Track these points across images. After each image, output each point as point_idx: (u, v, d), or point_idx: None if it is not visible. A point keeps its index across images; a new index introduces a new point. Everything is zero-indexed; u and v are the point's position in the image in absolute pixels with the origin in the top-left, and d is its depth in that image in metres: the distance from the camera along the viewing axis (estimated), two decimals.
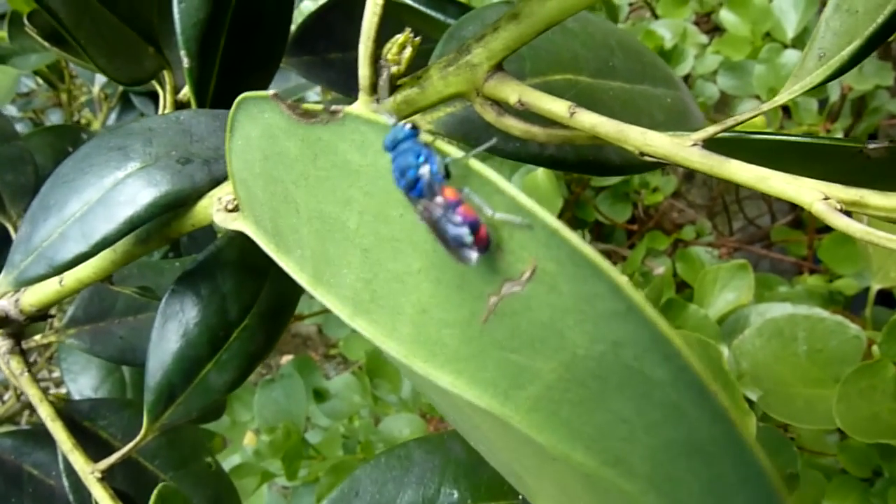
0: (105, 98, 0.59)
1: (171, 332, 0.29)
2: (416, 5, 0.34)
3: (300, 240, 0.20)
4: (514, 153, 0.27)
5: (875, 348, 0.51)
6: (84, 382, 0.43)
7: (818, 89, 0.82)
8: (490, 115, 0.22)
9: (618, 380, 0.13)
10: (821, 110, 0.84)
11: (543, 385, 0.14)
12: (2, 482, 0.35)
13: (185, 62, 0.26)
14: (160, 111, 0.35)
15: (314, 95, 0.76)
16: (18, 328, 0.30)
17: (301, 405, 0.85)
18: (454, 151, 0.16)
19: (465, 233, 0.15)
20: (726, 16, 0.82)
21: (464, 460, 0.33)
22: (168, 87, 0.33)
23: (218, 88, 0.28)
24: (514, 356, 0.15)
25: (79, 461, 0.29)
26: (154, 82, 0.33)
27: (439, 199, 0.15)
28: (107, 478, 0.30)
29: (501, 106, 0.22)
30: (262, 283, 0.31)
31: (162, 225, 0.27)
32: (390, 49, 0.21)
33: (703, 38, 0.87)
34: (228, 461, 0.86)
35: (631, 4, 1.01)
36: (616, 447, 0.13)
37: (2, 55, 0.48)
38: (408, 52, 0.21)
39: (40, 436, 0.35)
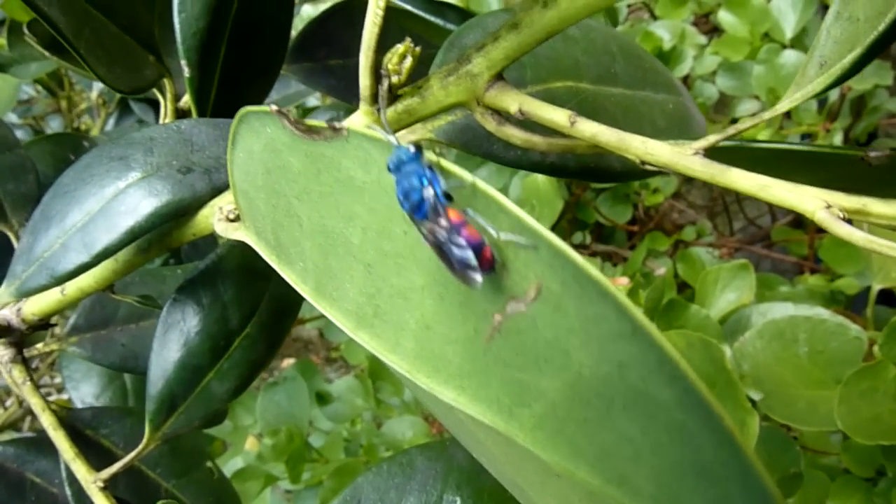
0: (103, 104, 0.58)
1: (173, 340, 0.29)
2: (416, 11, 0.34)
3: (302, 253, 0.20)
4: (515, 161, 0.26)
5: (876, 349, 0.51)
6: (86, 390, 0.43)
7: None
8: (491, 124, 0.22)
9: (623, 400, 0.13)
10: (820, 110, 0.84)
11: (548, 403, 0.14)
12: (4, 490, 0.35)
13: (186, 71, 0.26)
14: (161, 120, 0.35)
15: (313, 100, 0.76)
16: (20, 337, 0.30)
17: (304, 408, 0.85)
18: (458, 172, 0.16)
19: (469, 256, 0.15)
20: (725, 16, 0.82)
21: (466, 467, 0.33)
22: (168, 96, 0.33)
23: (219, 97, 0.28)
24: (519, 374, 0.15)
25: (81, 470, 0.29)
26: (154, 90, 0.33)
27: (443, 222, 0.15)
28: (109, 487, 0.29)
29: (502, 115, 0.22)
30: (264, 292, 0.31)
31: (163, 234, 0.27)
32: (391, 59, 0.21)
33: (702, 39, 0.87)
34: (230, 465, 0.86)
35: (629, 6, 1.01)
36: (621, 466, 0.13)
37: (1, 63, 0.48)
38: (408, 62, 0.21)
39: (43, 444, 0.35)
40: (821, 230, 0.91)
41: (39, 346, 0.36)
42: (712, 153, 0.20)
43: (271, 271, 0.31)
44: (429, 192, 0.15)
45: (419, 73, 0.22)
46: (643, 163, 0.20)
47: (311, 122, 0.18)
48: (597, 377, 0.13)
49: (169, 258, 0.42)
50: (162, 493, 0.35)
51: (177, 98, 0.34)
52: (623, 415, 0.13)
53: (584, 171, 0.28)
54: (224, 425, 0.89)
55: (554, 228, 0.86)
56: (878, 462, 0.59)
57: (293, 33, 0.35)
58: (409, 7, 0.34)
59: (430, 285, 0.16)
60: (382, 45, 0.21)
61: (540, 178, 0.74)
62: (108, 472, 0.29)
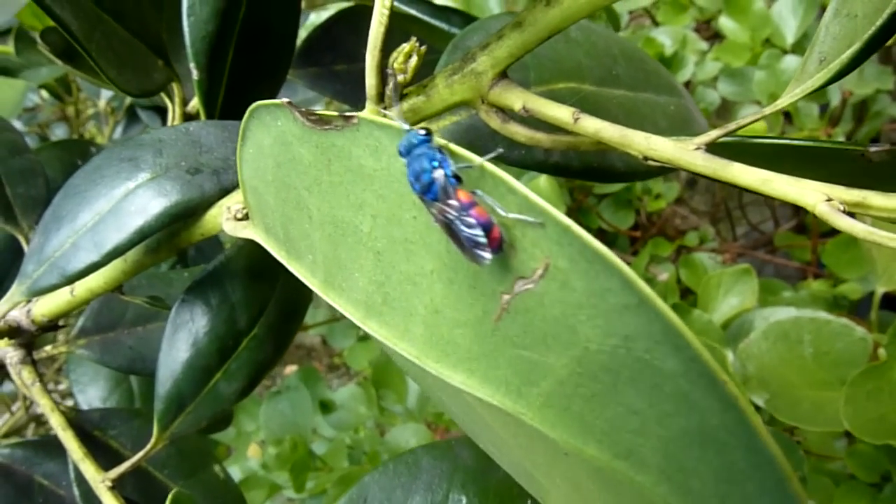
0: (111, 112, 0.59)
1: (181, 341, 0.29)
2: (421, 16, 0.34)
3: (312, 245, 0.20)
4: (519, 160, 0.27)
5: (882, 351, 0.51)
6: (93, 393, 0.43)
7: (819, 94, 0.82)
8: (495, 121, 0.22)
9: (629, 373, 0.13)
10: (822, 115, 0.85)
11: (555, 380, 0.14)
12: (13, 492, 0.35)
13: (195, 74, 0.27)
14: (169, 123, 0.35)
15: (318, 107, 0.76)
16: (30, 338, 0.31)
17: (307, 417, 0.86)
18: (467, 155, 0.16)
19: (479, 234, 0.15)
20: (726, 22, 0.82)
21: (472, 466, 0.33)
22: (177, 100, 0.34)
23: (226, 100, 0.28)
24: (527, 353, 0.15)
25: (90, 470, 0.29)
26: (163, 95, 0.34)
27: (453, 202, 0.16)
28: (117, 487, 0.30)
29: (506, 113, 0.22)
30: (271, 293, 0.32)
31: (172, 234, 0.28)
32: (396, 59, 0.21)
33: (704, 45, 0.88)
34: (233, 472, 0.86)
35: (631, 12, 1.02)
36: (628, 440, 0.14)
37: (11, 69, 0.49)
38: (413, 61, 0.21)
39: (51, 446, 0.36)
40: (824, 235, 0.91)
41: (48, 348, 0.36)
42: (714, 150, 0.21)
43: (279, 272, 0.32)
44: (439, 174, 0.16)
45: (424, 77, 0.22)
46: (646, 158, 0.20)
47: (322, 112, 0.18)
48: (603, 351, 0.14)
49: (175, 262, 0.43)
50: None
51: (185, 102, 0.34)
52: (629, 387, 0.14)
53: (587, 171, 0.29)
54: (227, 431, 0.89)
55: None
56: (883, 467, 0.59)
57: (299, 39, 0.36)
58: (413, 12, 0.34)
59: (440, 269, 0.16)
60: (387, 49, 0.21)
61: (542, 184, 0.74)
62: (116, 472, 0.29)
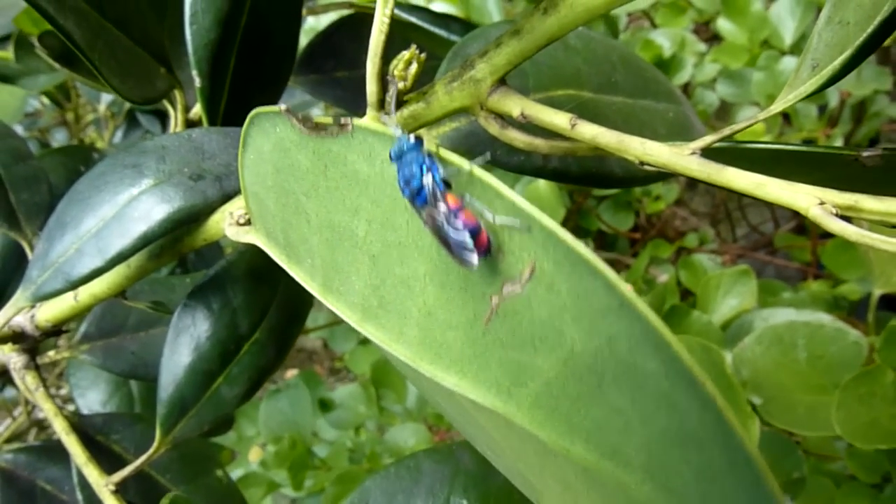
0: (111, 116, 0.60)
1: (184, 345, 0.30)
2: (421, 24, 0.34)
3: (311, 249, 0.20)
4: (518, 166, 0.27)
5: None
6: (93, 397, 0.44)
7: (818, 95, 0.83)
8: (494, 128, 0.23)
9: (613, 373, 0.14)
10: (821, 116, 0.85)
11: (543, 381, 0.15)
12: (16, 497, 0.35)
13: (197, 81, 0.27)
14: (171, 130, 0.36)
15: (317, 111, 0.77)
16: (33, 344, 0.31)
17: (307, 415, 0.86)
18: (456, 160, 0.17)
19: (466, 238, 0.15)
20: (724, 24, 0.83)
21: (473, 470, 0.34)
22: (179, 107, 0.34)
23: (228, 106, 0.29)
24: (516, 354, 0.15)
25: (93, 474, 0.30)
26: (165, 102, 0.34)
27: (442, 207, 0.16)
28: (120, 491, 0.30)
29: (505, 119, 0.23)
30: (272, 298, 0.32)
31: (175, 240, 0.28)
32: (396, 65, 0.22)
33: (702, 47, 0.88)
34: (234, 475, 0.87)
35: (630, 14, 1.02)
36: (613, 439, 0.14)
37: (10, 76, 0.49)
38: (413, 68, 0.22)
39: (53, 451, 0.36)
40: (823, 236, 0.91)
41: (51, 353, 0.37)
42: (710, 154, 0.21)
43: (280, 277, 0.32)
44: (428, 179, 0.16)
45: (424, 83, 0.23)
46: (642, 163, 0.21)
47: (318, 118, 0.18)
48: (588, 352, 0.14)
49: (176, 268, 0.43)
50: None
51: (187, 109, 0.35)
52: (613, 387, 0.14)
53: (585, 177, 0.29)
54: (228, 435, 0.90)
55: None
56: (884, 468, 0.59)
57: (300, 46, 0.36)
58: (414, 20, 0.35)
59: (433, 273, 0.17)
60: (388, 56, 0.22)
61: (542, 187, 0.74)
62: (119, 476, 0.30)
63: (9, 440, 0.58)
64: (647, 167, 0.21)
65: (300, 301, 0.33)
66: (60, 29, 0.25)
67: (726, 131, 0.21)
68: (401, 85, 0.22)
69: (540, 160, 0.28)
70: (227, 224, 0.26)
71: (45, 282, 0.26)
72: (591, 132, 0.21)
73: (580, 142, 0.21)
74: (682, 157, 0.21)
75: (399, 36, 0.31)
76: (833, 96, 0.81)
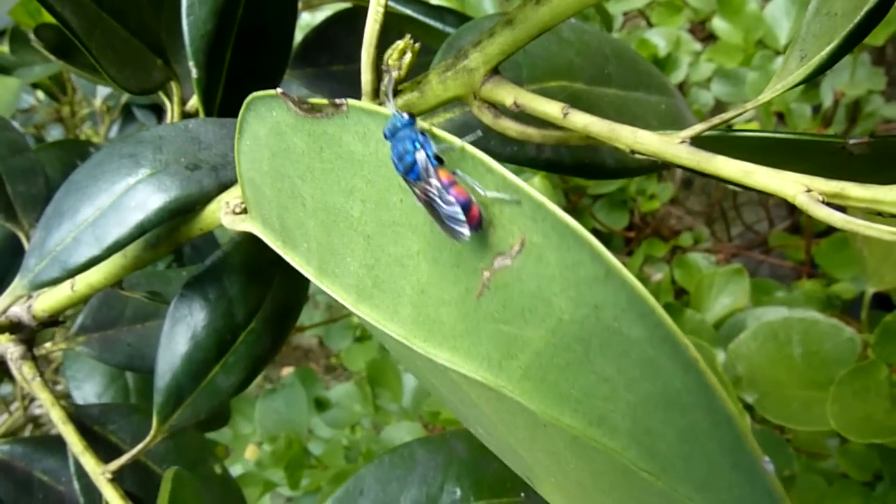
0: (107, 111, 0.60)
1: (180, 334, 0.30)
2: (417, 16, 0.35)
3: (306, 233, 0.21)
4: (511, 157, 0.28)
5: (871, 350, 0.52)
6: (88, 389, 0.44)
7: (812, 95, 0.82)
8: (487, 117, 0.23)
9: (599, 341, 0.14)
10: (815, 116, 0.86)
11: (533, 352, 0.15)
12: (12, 489, 0.35)
13: (194, 72, 0.27)
14: (168, 122, 0.36)
15: None
16: (30, 334, 0.31)
17: (302, 414, 0.86)
18: (448, 137, 0.17)
19: (457, 211, 0.16)
20: (719, 24, 0.83)
21: (466, 459, 0.34)
22: (175, 99, 0.34)
23: (225, 98, 0.29)
24: (506, 327, 0.16)
25: (90, 463, 0.30)
26: (161, 94, 0.34)
27: (434, 182, 0.16)
28: (117, 479, 0.30)
29: (498, 108, 0.23)
30: (268, 288, 0.32)
31: (171, 230, 0.28)
32: (391, 55, 0.22)
33: (697, 46, 0.89)
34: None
35: (626, 13, 1.03)
36: (600, 406, 0.15)
37: (6, 66, 0.50)
38: (408, 57, 0.22)
39: (50, 443, 0.36)
40: (818, 235, 0.92)
41: (48, 344, 0.37)
42: (701, 143, 0.21)
43: (276, 268, 0.33)
44: (421, 155, 0.17)
45: (419, 70, 0.23)
46: (633, 152, 0.21)
47: (313, 100, 0.19)
48: (575, 321, 0.15)
49: (172, 262, 0.44)
50: None
51: (183, 101, 0.35)
52: (600, 355, 0.14)
53: (578, 167, 0.29)
54: (224, 433, 0.90)
55: None
56: (875, 466, 0.59)
57: (296, 40, 0.36)
58: (409, 12, 0.35)
59: (426, 250, 0.17)
60: (383, 47, 0.22)
61: (536, 185, 0.75)
62: (116, 464, 0.30)
63: (5, 436, 0.58)
64: (638, 156, 0.21)
65: (296, 291, 0.33)
66: (58, 17, 0.25)
67: (715, 120, 0.21)
68: (395, 74, 0.22)
69: (533, 150, 0.28)
70: (224, 213, 0.26)
71: (43, 270, 0.26)
72: (583, 121, 0.21)
73: (572, 131, 0.22)
74: (671, 145, 0.21)
75: (395, 29, 0.32)
76: (827, 96, 0.82)
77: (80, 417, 0.33)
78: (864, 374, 0.49)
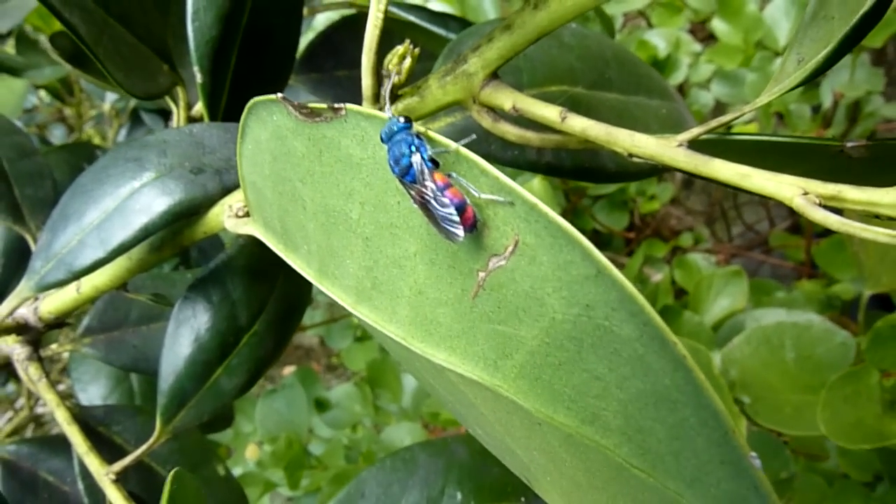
0: (116, 114, 0.60)
1: (184, 336, 0.30)
2: (419, 22, 0.35)
3: (307, 235, 0.21)
4: (512, 161, 0.28)
5: None
6: (94, 391, 0.44)
7: (811, 95, 0.82)
8: (486, 121, 0.23)
9: (591, 340, 0.15)
10: (814, 116, 0.86)
11: (527, 351, 0.16)
12: (18, 488, 0.36)
13: (199, 77, 0.28)
14: (173, 126, 0.36)
15: None
16: (36, 336, 0.31)
17: (303, 415, 0.86)
18: (443, 140, 0.17)
19: (452, 213, 0.16)
20: (718, 25, 0.84)
21: (467, 463, 0.34)
22: (181, 104, 0.35)
23: (229, 103, 0.29)
24: (501, 327, 0.16)
25: (94, 463, 0.30)
26: (167, 99, 0.35)
27: (429, 184, 0.17)
28: (121, 480, 0.30)
29: (497, 112, 0.23)
30: (271, 291, 0.32)
31: (175, 233, 0.28)
32: (391, 60, 0.22)
33: (697, 47, 0.89)
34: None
35: (626, 14, 1.03)
36: (592, 404, 0.15)
37: (14, 68, 0.50)
38: (408, 62, 0.22)
39: (55, 443, 0.36)
40: (819, 235, 0.92)
41: (54, 346, 0.37)
42: (698, 147, 0.22)
43: (279, 271, 0.33)
44: (416, 158, 0.17)
45: (419, 74, 0.23)
46: (631, 155, 0.21)
47: (313, 105, 0.19)
48: (568, 320, 0.15)
49: (178, 264, 0.44)
50: None
51: (189, 106, 0.35)
52: (592, 354, 0.15)
53: (578, 171, 0.30)
54: (225, 433, 0.90)
55: None
56: (875, 466, 0.59)
57: (301, 45, 0.36)
58: (412, 18, 0.35)
59: (422, 251, 0.18)
60: (384, 52, 0.22)
61: (535, 186, 0.75)
62: (120, 465, 0.30)
63: (9, 435, 0.58)
64: (637, 160, 0.21)
65: (299, 294, 0.34)
66: (67, 24, 0.25)
67: (713, 123, 0.21)
68: (395, 79, 0.22)
69: (534, 154, 0.28)
70: (227, 216, 0.26)
71: (49, 272, 0.27)
72: (581, 125, 0.21)
73: (571, 135, 0.22)
74: (669, 148, 0.21)
75: (397, 34, 0.32)
76: (827, 97, 0.82)
77: (84, 418, 0.33)
78: (855, 378, 0.49)
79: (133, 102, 0.54)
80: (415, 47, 0.22)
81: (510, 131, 0.23)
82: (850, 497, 0.61)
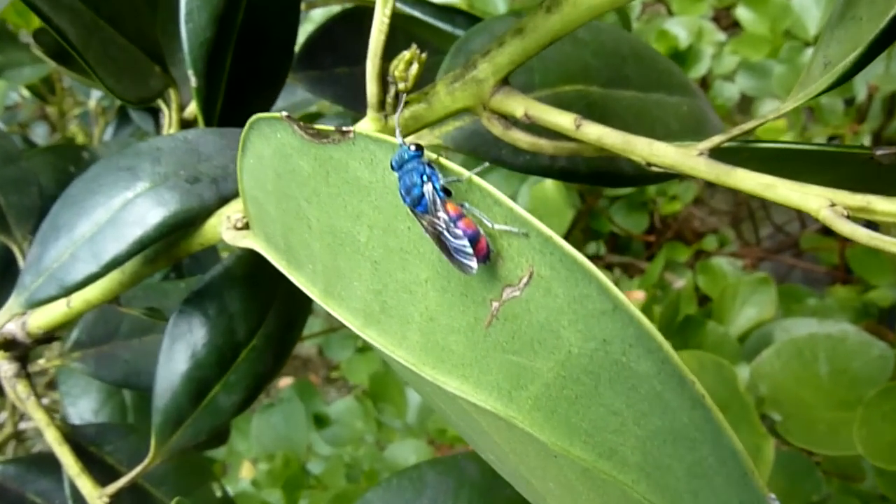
0: (102, 112, 0.61)
1: (179, 352, 0.31)
2: (424, 17, 0.36)
3: (312, 255, 0.22)
4: (524, 166, 0.28)
5: None
6: (84, 406, 0.45)
7: (845, 88, 0.82)
8: (497, 128, 0.24)
9: (608, 375, 0.15)
10: (848, 110, 0.86)
11: (543, 384, 0.16)
12: None
13: (193, 81, 0.28)
14: (164, 130, 0.37)
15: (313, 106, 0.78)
16: (24, 351, 0.32)
17: (301, 431, 0.87)
18: (456, 169, 0.18)
19: (465, 245, 0.17)
20: (743, 13, 0.84)
21: (478, 482, 0.35)
22: (174, 105, 0.35)
23: (225, 106, 0.30)
24: (516, 358, 0.17)
25: (86, 486, 0.31)
26: (159, 100, 0.35)
27: (442, 215, 0.17)
28: (114, 503, 0.31)
29: (508, 119, 0.24)
30: (270, 304, 0.33)
31: (170, 244, 0.29)
32: (397, 66, 0.23)
33: (721, 37, 0.89)
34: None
35: (644, 1, 1.03)
36: (610, 440, 0.16)
37: None
38: (414, 68, 0.23)
39: (44, 463, 0.37)
40: None
41: (42, 361, 0.38)
42: (720, 155, 0.22)
43: (277, 283, 0.33)
44: (428, 188, 0.18)
45: (427, 79, 0.24)
46: (649, 164, 0.22)
47: (319, 126, 0.20)
48: (584, 355, 0.16)
49: (170, 272, 0.44)
50: None
51: (181, 108, 0.36)
52: (609, 389, 0.16)
53: (594, 176, 0.30)
54: (218, 450, 0.91)
55: (566, 238, 0.87)
56: None
57: (299, 40, 0.37)
58: (416, 13, 0.36)
59: (434, 278, 0.18)
60: (390, 52, 0.23)
61: (548, 187, 0.76)
62: (113, 488, 0.31)
63: None
64: (653, 168, 0.22)
65: (298, 307, 0.34)
66: (55, 27, 0.26)
67: (735, 131, 0.22)
68: (401, 86, 0.23)
69: (547, 159, 0.29)
70: (225, 228, 0.27)
71: (39, 287, 0.27)
72: (597, 133, 0.22)
73: (585, 142, 0.22)
74: (689, 157, 0.22)
75: (401, 30, 0.33)
76: (861, 89, 0.82)
77: (75, 438, 0.34)
78: (894, 394, 0.49)
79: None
80: (422, 52, 0.22)
81: (522, 139, 0.24)
82: None
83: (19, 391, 0.32)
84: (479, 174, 0.18)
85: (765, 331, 0.61)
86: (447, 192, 0.18)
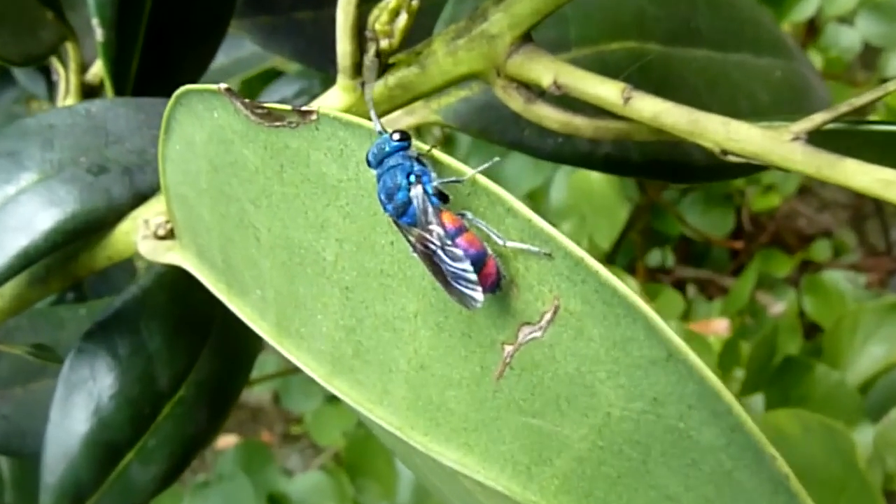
0: None
1: (78, 407, 0.31)
2: None
3: (260, 276, 0.22)
4: (553, 153, 0.29)
5: None
6: None
7: None
8: (516, 102, 0.24)
9: (661, 446, 0.16)
10: None
11: (573, 457, 0.17)
12: None
13: (99, 34, 0.29)
14: (60, 98, 0.37)
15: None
16: None
17: None
18: (456, 165, 0.18)
19: (467, 269, 0.17)
20: None
21: None
22: (72, 66, 0.36)
23: (142, 68, 0.30)
24: (537, 421, 0.17)
25: None
26: (53, 58, 0.36)
27: (435, 228, 0.18)
28: None
29: (531, 90, 0.24)
30: (204, 340, 0.33)
31: (67, 258, 0.29)
32: (378, 17, 0.23)
33: None
34: None
35: None
36: None
37: None
38: (402, 20, 0.23)
39: None
40: None
41: None
42: (824, 138, 0.22)
43: (215, 308, 0.34)
44: (417, 191, 0.18)
45: (419, 35, 0.24)
46: (724, 153, 0.22)
47: (271, 105, 0.20)
48: (629, 419, 0.16)
49: (65, 293, 0.45)
50: None
51: (83, 69, 0.36)
52: (662, 465, 0.16)
53: (650, 167, 0.30)
54: None
55: (620, 244, 0.87)
56: None
57: None
58: None
59: (426, 311, 0.18)
60: (368, 6, 0.23)
61: (594, 175, 0.76)
62: None
63: None
64: (730, 157, 0.22)
65: (243, 344, 0.35)
66: None
67: (844, 108, 0.22)
68: (384, 44, 0.23)
69: (585, 144, 0.29)
70: (142, 236, 0.27)
71: None
72: (653, 109, 0.22)
73: (637, 122, 0.23)
74: (781, 143, 0.22)
75: None
76: None
77: None
78: None
79: None
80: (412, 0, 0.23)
81: (550, 116, 0.24)
82: None
83: None
84: (486, 173, 0.18)
85: (895, 378, 0.61)
86: (443, 197, 0.18)
